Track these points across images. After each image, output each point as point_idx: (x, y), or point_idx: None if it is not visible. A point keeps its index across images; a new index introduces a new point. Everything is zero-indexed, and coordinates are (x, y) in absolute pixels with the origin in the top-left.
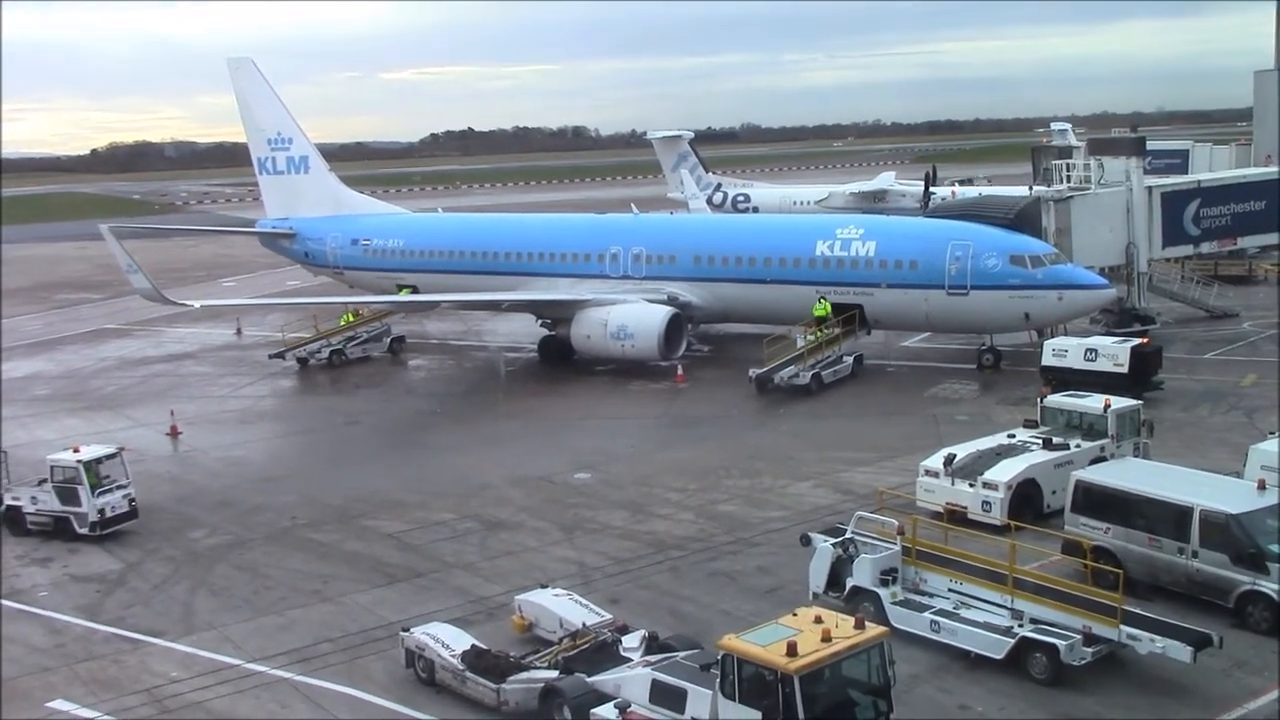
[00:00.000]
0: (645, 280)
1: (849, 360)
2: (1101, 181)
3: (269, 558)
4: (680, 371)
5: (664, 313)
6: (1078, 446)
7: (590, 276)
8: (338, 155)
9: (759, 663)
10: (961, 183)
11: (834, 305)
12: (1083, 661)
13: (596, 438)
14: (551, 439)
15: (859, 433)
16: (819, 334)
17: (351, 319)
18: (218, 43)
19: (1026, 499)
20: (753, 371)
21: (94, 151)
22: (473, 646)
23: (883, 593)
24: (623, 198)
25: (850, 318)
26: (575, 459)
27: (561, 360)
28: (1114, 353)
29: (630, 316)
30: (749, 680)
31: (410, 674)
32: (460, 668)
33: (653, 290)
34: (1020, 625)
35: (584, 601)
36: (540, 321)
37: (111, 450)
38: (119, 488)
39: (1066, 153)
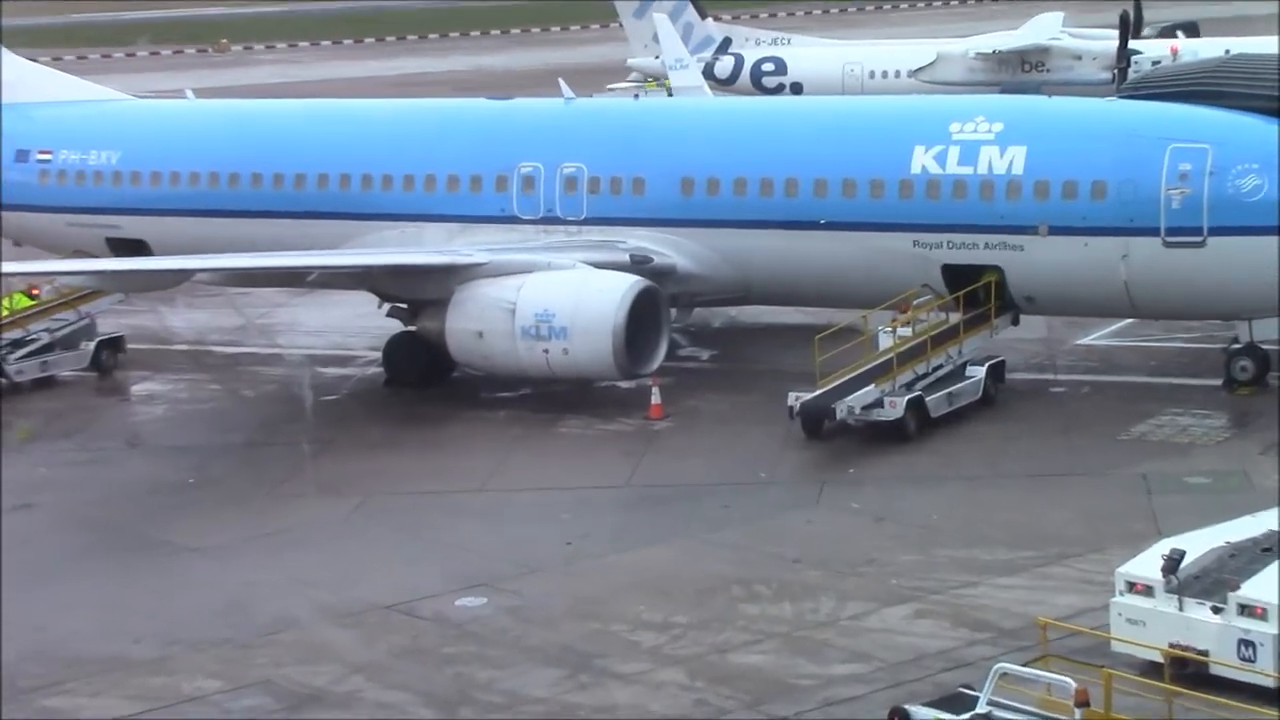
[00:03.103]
0: (587, 226)
1: (977, 374)
2: None
3: None
4: (657, 399)
5: (624, 288)
6: None
7: (483, 220)
8: None
9: None
10: (1187, 31)
11: (951, 269)
12: None
13: (498, 528)
14: (412, 532)
15: (997, 511)
16: (914, 320)
17: (20, 306)
18: None
19: None
20: (795, 397)
21: None
22: None
23: None
24: (545, 69)
25: (981, 292)
26: (459, 569)
27: (429, 379)
28: None
29: (560, 296)
30: None
31: None
32: None
33: (602, 245)
34: None
35: None
36: (388, 307)
37: None
38: None
39: None
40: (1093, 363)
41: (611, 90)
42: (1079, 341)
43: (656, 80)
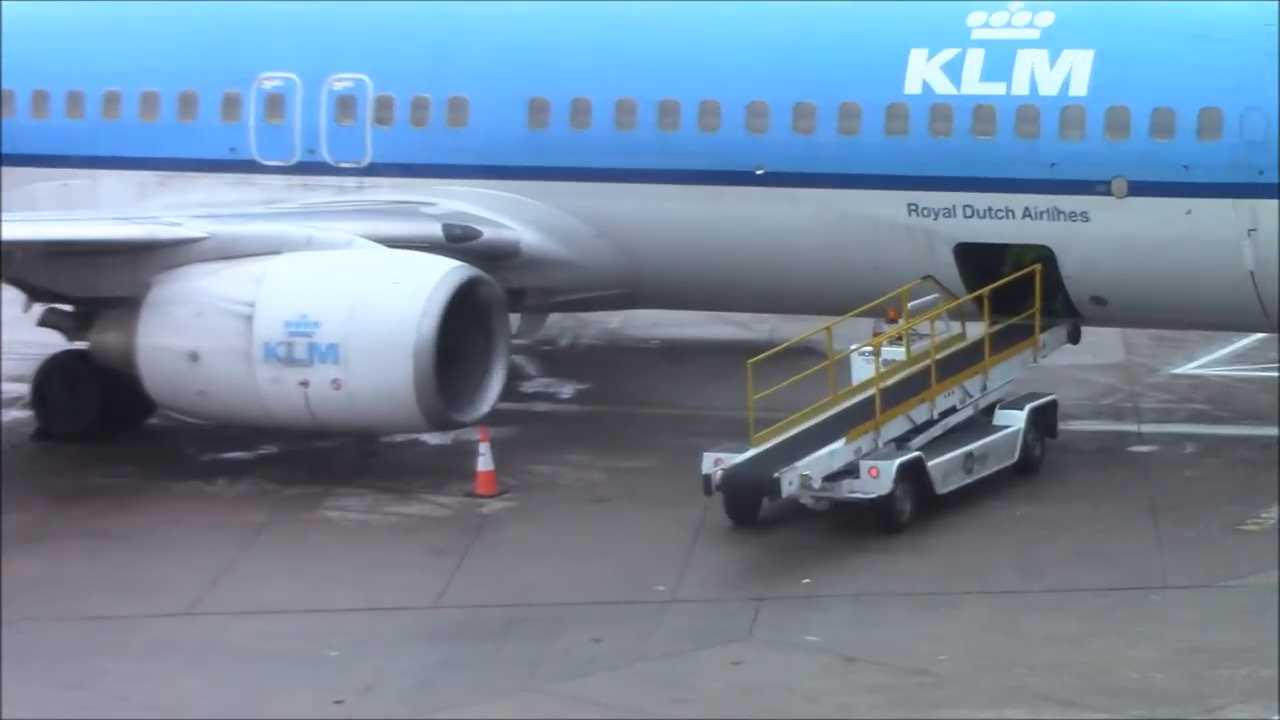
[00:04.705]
0: (373, 177)
1: (1012, 422)
2: None
3: None
4: (488, 463)
5: (434, 280)
6: None
7: (200, 166)
8: None
9: None
10: None
11: (970, 251)
12: None
13: (222, 675)
14: (79, 681)
15: (1043, 647)
16: (910, 334)
17: None
18: None
19: None
20: (716, 460)
21: None
22: None
23: None
24: None
25: (1022, 288)
26: None
27: (109, 428)
28: None
29: (329, 293)
30: None
31: None
32: None
33: (398, 209)
34: None
35: None
36: (40, 310)
37: None
38: None
39: None
40: (1198, 405)
41: None
42: (1176, 371)
43: None
